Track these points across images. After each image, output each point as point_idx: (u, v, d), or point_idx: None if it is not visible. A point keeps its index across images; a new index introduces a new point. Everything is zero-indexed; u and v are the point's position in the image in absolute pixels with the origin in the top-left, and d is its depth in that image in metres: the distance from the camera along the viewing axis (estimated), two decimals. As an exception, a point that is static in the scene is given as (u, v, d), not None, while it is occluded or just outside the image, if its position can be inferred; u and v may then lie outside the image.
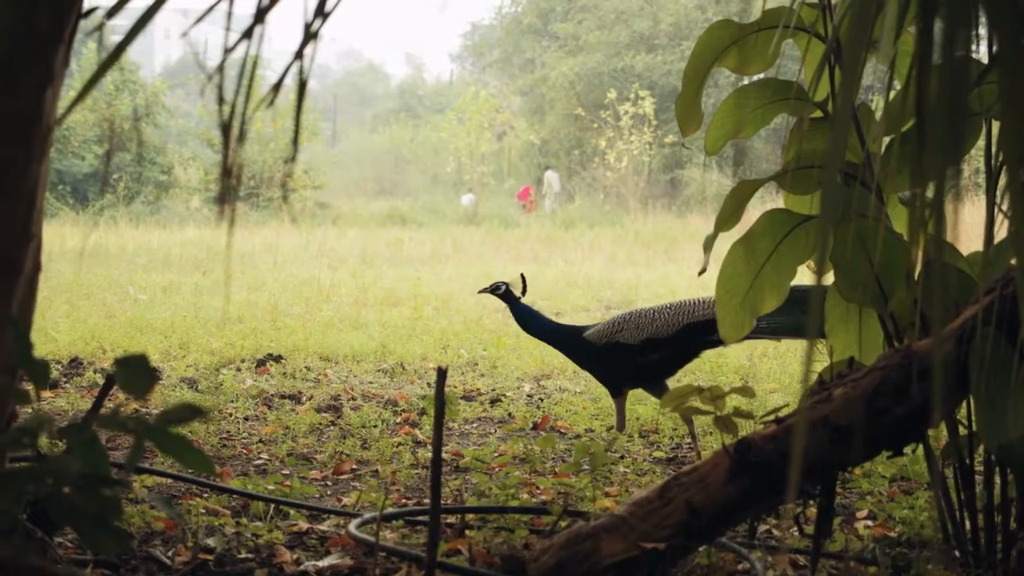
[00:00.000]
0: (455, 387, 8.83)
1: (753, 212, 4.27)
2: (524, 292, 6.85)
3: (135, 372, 2.60)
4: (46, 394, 7.81)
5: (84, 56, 32.82)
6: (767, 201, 20.56)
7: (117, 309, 12.70)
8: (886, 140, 4.08)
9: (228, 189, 2.83)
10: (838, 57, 4.11)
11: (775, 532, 4.62)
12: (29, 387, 2.81)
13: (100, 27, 2.93)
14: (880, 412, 3.30)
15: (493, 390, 8.78)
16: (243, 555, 4.25)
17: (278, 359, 9.74)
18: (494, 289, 6.84)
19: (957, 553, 3.90)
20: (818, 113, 4.26)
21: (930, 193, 2.08)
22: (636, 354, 6.57)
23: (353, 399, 8.19)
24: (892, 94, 3.85)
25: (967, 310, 3.34)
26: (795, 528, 4.32)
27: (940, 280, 1.93)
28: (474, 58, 59.78)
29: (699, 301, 6.62)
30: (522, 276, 6.91)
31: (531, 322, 6.82)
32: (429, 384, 9.00)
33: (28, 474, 2.57)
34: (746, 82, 4.45)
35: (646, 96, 38.24)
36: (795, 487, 3.33)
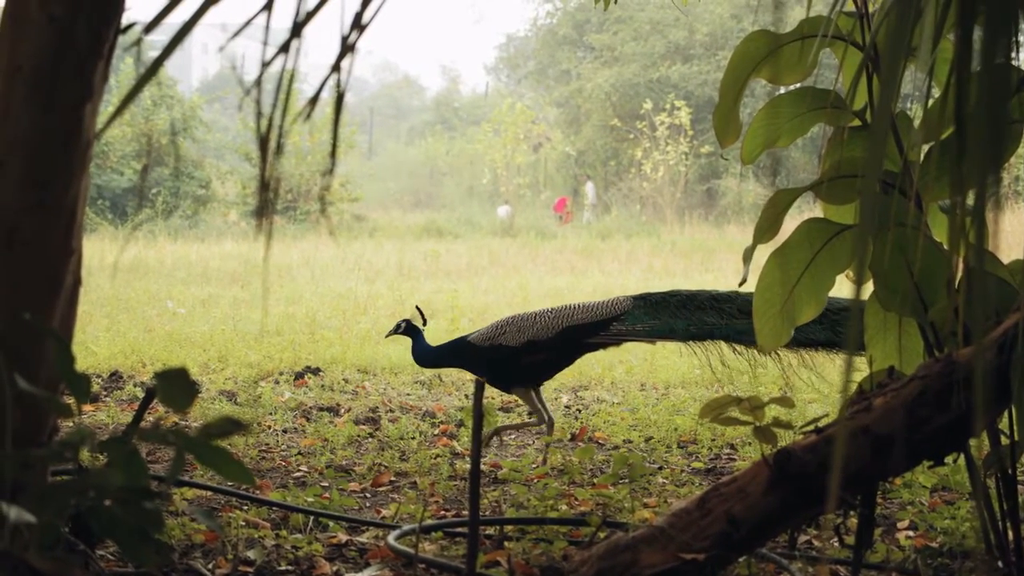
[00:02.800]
0: (492, 398, 8.83)
1: (790, 222, 4.26)
2: (425, 323, 6.87)
3: (175, 385, 2.62)
4: (86, 408, 7.85)
5: (121, 71, 33.02)
6: (804, 211, 20.48)
7: (156, 323, 12.77)
8: (925, 148, 4.06)
9: (266, 203, 2.85)
10: (875, 65, 4.09)
11: (815, 543, 4.60)
12: (70, 400, 2.83)
13: (138, 42, 2.95)
14: (921, 422, 3.28)
15: (531, 401, 8.77)
16: (283, 567, 4.26)
17: (316, 372, 9.77)
18: (396, 329, 6.86)
19: (1000, 564, 3.87)
20: (856, 122, 4.24)
21: (970, 201, 2.07)
22: (518, 356, 6.59)
23: (391, 411, 8.21)
24: (931, 102, 3.83)
25: (1008, 319, 3.31)
26: (835, 539, 4.30)
27: (981, 289, 1.92)
28: (509, 70, 59.85)
29: (579, 305, 6.69)
30: (418, 308, 6.93)
31: (421, 356, 6.83)
32: (467, 396, 9.01)
33: (70, 487, 2.59)
34: (782, 91, 4.43)
35: (682, 106, 38.18)
36: (835, 497, 3.31)
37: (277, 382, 9.42)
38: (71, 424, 4.66)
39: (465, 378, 9.78)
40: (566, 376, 9.77)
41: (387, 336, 7.10)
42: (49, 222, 3.04)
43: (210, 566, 4.21)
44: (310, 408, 8.26)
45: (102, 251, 21.22)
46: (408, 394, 9.02)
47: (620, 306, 6.52)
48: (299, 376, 9.61)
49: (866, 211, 2.41)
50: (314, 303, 14.79)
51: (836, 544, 4.35)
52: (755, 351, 6.29)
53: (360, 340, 11.67)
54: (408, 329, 6.80)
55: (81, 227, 3.14)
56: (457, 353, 6.80)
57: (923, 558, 4.25)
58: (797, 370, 6.29)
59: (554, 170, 44.93)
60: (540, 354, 6.61)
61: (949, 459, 3.46)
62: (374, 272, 19.96)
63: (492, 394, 9.04)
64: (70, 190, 3.07)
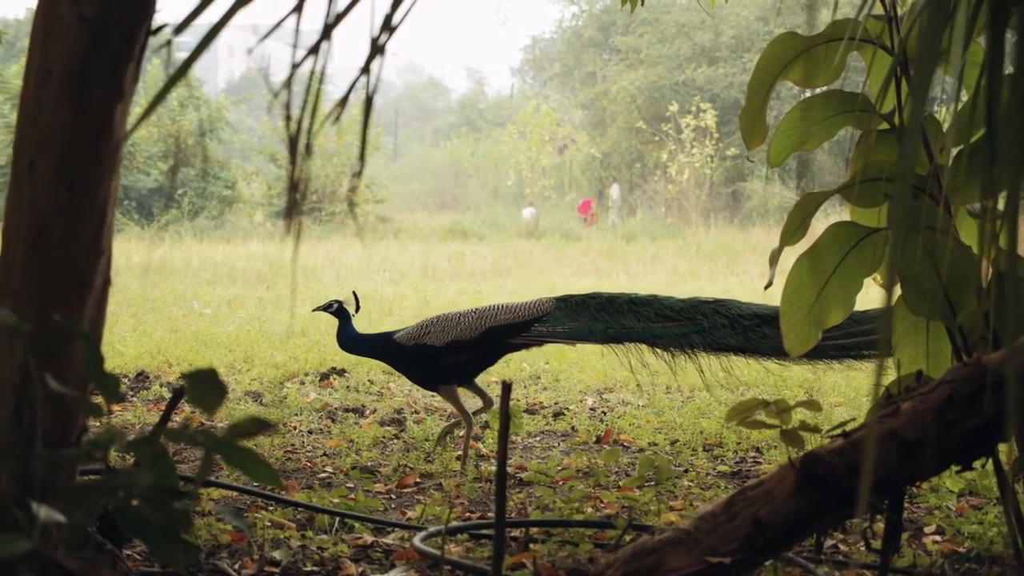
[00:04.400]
0: (518, 400, 8.83)
1: (816, 225, 4.25)
2: (357, 310, 6.89)
3: (204, 386, 2.62)
4: (113, 408, 7.87)
5: (148, 72, 33.08)
6: (830, 214, 20.39)
7: (182, 323, 12.81)
8: (953, 152, 4.04)
9: (294, 204, 2.85)
10: (904, 69, 4.08)
11: (842, 547, 4.59)
12: (99, 400, 2.84)
13: (168, 43, 2.97)
14: (949, 426, 3.27)
15: (556, 403, 8.77)
16: (309, 568, 4.27)
17: (341, 373, 9.78)
18: (327, 307, 6.88)
19: (1028, 569, 3.85)
20: (884, 125, 4.22)
21: (1001, 204, 2.06)
22: (442, 355, 6.63)
23: (416, 412, 8.22)
24: (960, 105, 3.81)
25: (1038, 323, 3.29)
26: (862, 543, 4.28)
27: (1013, 292, 1.91)
28: (535, 72, 59.79)
29: (502, 306, 6.78)
30: (354, 294, 6.95)
31: (346, 340, 6.87)
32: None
33: (99, 487, 2.60)
34: (808, 94, 4.42)
35: (708, 109, 38.08)
36: (865, 501, 3.30)
37: (303, 383, 9.44)
38: (98, 424, 4.68)
39: (489, 380, 9.78)
40: (591, 378, 9.77)
41: (313, 311, 7.15)
42: (79, 223, 3.06)
43: (236, 566, 4.22)
44: (335, 409, 8.28)
45: (128, 251, 21.31)
46: (433, 395, 9.01)
47: (542, 308, 6.61)
48: (324, 377, 9.63)
49: (897, 215, 2.40)
50: (339, 304, 14.78)
51: (863, 548, 4.34)
52: (670, 355, 6.42)
53: (385, 341, 11.67)
54: (338, 311, 6.83)
55: (111, 228, 3.16)
56: (382, 349, 6.86)
57: (951, 563, 4.23)
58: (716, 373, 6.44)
59: (579, 172, 44.89)
60: (464, 354, 6.65)
61: (977, 464, 3.44)
62: (399, 273, 19.98)
63: (516, 396, 9.04)
64: (100, 191, 3.08)
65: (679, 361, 6.43)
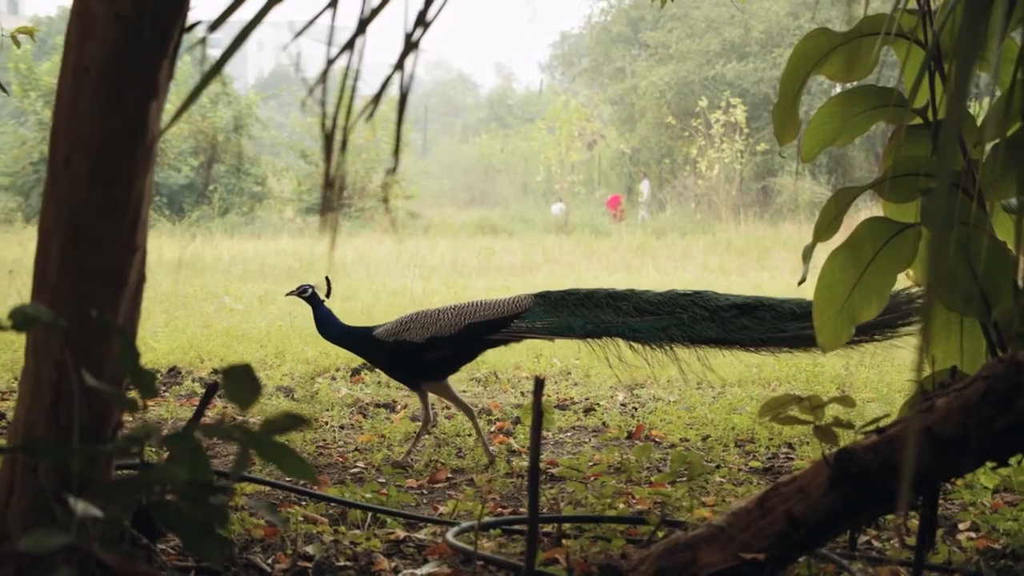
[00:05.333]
0: (549, 396, 8.84)
1: (847, 221, 4.24)
2: (328, 295, 6.88)
3: (240, 382, 2.63)
4: (147, 403, 7.91)
5: (179, 69, 33.07)
6: (861, 209, 20.27)
7: (214, 319, 12.85)
8: (988, 146, 4.02)
9: (330, 200, 2.86)
10: (938, 64, 4.06)
11: (876, 543, 4.57)
12: (133, 395, 2.85)
13: (202, 41, 2.98)
14: (984, 422, 3.25)
15: (587, 399, 8.77)
16: (342, 563, 4.29)
17: (372, 368, 9.79)
18: (300, 292, 6.87)
19: (1064, 566, 3.83)
20: (917, 120, 4.21)
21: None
22: (422, 351, 6.63)
23: (447, 408, 8.22)
24: (993, 99, 3.79)
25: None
26: (897, 539, 4.27)
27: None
28: (564, 67, 59.73)
29: (481, 303, 6.77)
30: (327, 279, 6.95)
31: (328, 327, 6.84)
32: (523, 393, 9.02)
33: (136, 482, 2.61)
34: (838, 89, 4.41)
35: (737, 104, 37.95)
36: (904, 498, 3.29)
37: (334, 378, 9.47)
38: (131, 419, 4.70)
39: (520, 375, 9.79)
40: (622, 374, 9.75)
41: (287, 295, 7.14)
42: (115, 219, 3.07)
43: (270, 561, 4.24)
44: (367, 404, 8.30)
45: (160, 247, 21.39)
46: (463, 391, 9.03)
47: (521, 304, 6.63)
48: (355, 372, 9.65)
49: (934, 210, 2.39)
50: (369, 300, 14.82)
51: (897, 545, 4.33)
52: (649, 348, 6.44)
53: (416, 337, 11.67)
54: (311, 297, 6.82)
55: (146, 224, 3.17)
56: (361, 343, 6.85)
57: (986, 560, 4.21)
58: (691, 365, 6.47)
59: (608, 168, 44.80)
60: (443, 350, 6.66)
61: (1013, 460, 3.43)
62: (429, 269, 19.99)
63: (547, 391, 9.04)
64: (135, 188, 3.10)
65: (658, 355, 6.46)
